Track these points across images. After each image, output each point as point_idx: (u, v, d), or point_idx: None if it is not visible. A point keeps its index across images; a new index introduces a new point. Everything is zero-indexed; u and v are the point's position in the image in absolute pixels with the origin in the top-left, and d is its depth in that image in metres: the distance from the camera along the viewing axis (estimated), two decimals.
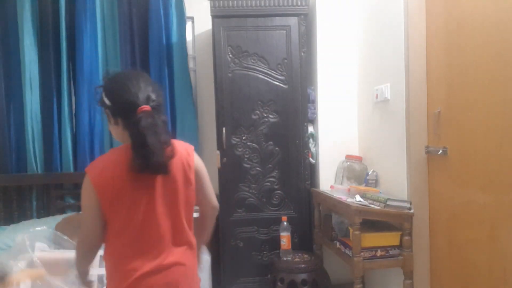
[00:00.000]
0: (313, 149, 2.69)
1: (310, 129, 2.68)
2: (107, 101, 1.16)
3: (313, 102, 2.70)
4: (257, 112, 2.59)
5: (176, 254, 1.18)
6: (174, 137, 2.80)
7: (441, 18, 1.92)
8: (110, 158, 1.15)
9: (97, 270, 1.94)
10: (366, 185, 2.39)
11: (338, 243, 2.23)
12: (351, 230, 2.02)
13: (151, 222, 1.14)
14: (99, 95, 1.19)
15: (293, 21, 2.59)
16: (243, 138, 2.59)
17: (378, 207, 1.97)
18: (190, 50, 2.97)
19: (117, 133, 1.19)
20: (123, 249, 1.14)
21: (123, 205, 1.12)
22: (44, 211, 2.75)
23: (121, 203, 1.11)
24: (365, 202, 2.05)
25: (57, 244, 2.23)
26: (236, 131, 2.59)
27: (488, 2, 1.62)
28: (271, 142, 2.60)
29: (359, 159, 2.57)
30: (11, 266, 1.85)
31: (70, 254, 1.96)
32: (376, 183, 2.39)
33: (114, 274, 1.16)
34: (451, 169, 1.87)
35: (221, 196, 2.56)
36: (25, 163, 2.75)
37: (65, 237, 2.24)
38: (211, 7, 2.53)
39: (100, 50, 2.81)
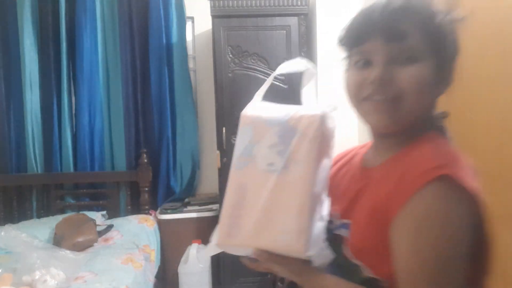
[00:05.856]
0: None
1: None
2: None
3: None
4: None
5: None
6: (174, 137, 2.85)
7: None
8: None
9: None
10: None
11: None
12: None
13: None
14: None
15: (293, 21, 2.59)
16: None
17: None
18: (190, 50, 2.96)
19: None
20: None
21: None
22: (44, 211, 2.75)
23: None
24: None
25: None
26: (236, 131, 2.57)
27: (489, 2, 1.62)
28: None
29: None
30: None
31: None
32: None
33: None
34: None
35: (221, 196, 2.56)
36: (25, 163, 2.75)
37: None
38: (211, 7, 2.53)
39: (100, 50, 2.80)
